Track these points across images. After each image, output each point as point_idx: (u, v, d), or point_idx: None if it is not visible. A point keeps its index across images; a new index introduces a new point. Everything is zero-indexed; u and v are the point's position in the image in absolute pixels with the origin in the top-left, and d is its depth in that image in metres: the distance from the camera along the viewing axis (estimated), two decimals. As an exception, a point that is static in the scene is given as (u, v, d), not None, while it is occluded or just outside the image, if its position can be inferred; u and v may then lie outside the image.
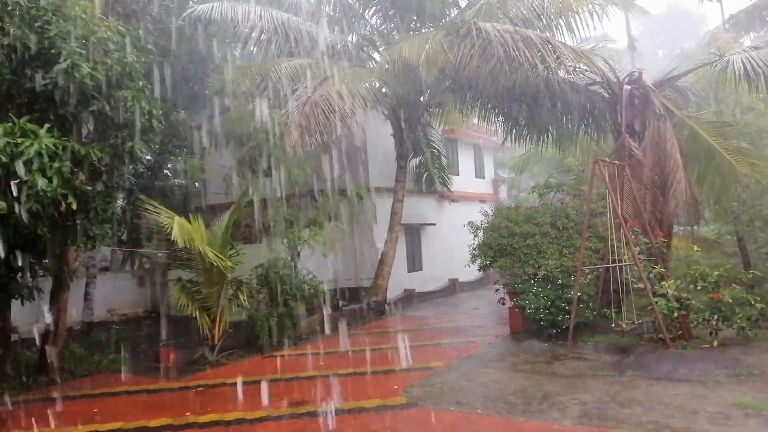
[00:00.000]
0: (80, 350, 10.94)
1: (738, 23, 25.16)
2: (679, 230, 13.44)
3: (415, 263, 18.93)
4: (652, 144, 11.01)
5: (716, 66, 10.76)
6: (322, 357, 10.23)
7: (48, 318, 10.08)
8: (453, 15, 15.31)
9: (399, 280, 16.88)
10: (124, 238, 13.77)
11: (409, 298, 17.34)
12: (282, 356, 10.74)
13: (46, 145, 6.92)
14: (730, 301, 9.30)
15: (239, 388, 8.42)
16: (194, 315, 10.51)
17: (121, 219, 11.01)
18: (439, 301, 17.98)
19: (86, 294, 13.67)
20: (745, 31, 24.38)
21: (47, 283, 10.34)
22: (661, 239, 10.85)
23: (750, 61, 10.09)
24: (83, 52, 7.58)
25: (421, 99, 15.55)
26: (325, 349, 11.00)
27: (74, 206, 7.51)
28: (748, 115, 12.26)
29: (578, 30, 12.01)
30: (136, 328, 14.95)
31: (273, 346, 11.14)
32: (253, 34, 13.53)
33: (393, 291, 16.13)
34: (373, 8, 16.10)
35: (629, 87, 11.56)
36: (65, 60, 7.37)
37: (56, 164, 7.09)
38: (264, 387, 8.29)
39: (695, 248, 10.84)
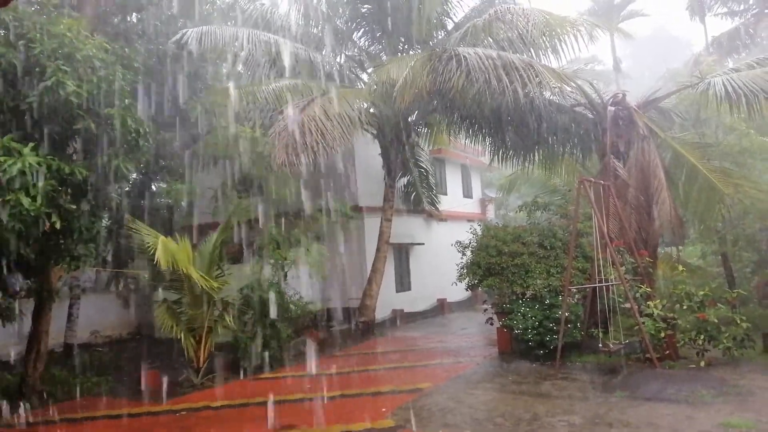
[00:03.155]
0: (62, 373, 10.71)
1: (720, 46, 25.81)
2: (661, 252, 13.50)
3: (403, 283, 18.86)
4: (637, 164, 11.15)
5: (698, 88, 10.97)
6: (309, 379, 10.10)
7: (29, 340, 9.89)
8: (440, 37, 15.51)
9: (387, 300, 16.79)
10: (108, 258, 13.59)
11: (397, 318, 17.23)
12: (268, 378, 10.60)
13: (29, 163, 6.85)
14: (716, 320, 9.35)
15: (224, 412, 8.27)
16: (179, 337, 10.36)
17: (106, 238, 10.87)
18: (427, 321, 17.89)
19: (69, 315, 13.44)
20: (727, 53, 24.99)
21: (29, 304, 10.17)
22: (647, 259, 10.92)
23: (731, 83, 10.28)
24: (68, 69, 7.55)
25: (409, 120, 15.66)
26: (312, 370, 10.87)
27: (58, 225, 7.42)
28: (730, 135, 12.46)
29: (564, 52, 12.18)
30: (120, 350, 14.68)
31: (259, 368, 10.99)
32: (241, 54, 13.59)
33: (381, 311, 16.03)
34: (362, 30, 16.28)
35: (613, 108, 11.72)
36: (50, 78, 7.34)
37: (40, 183, 7.02)
38: (249, 410, 8.16)
39: (680, 268, 10.91)
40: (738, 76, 10.50)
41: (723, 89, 10.27)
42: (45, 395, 9.59)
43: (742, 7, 26.63)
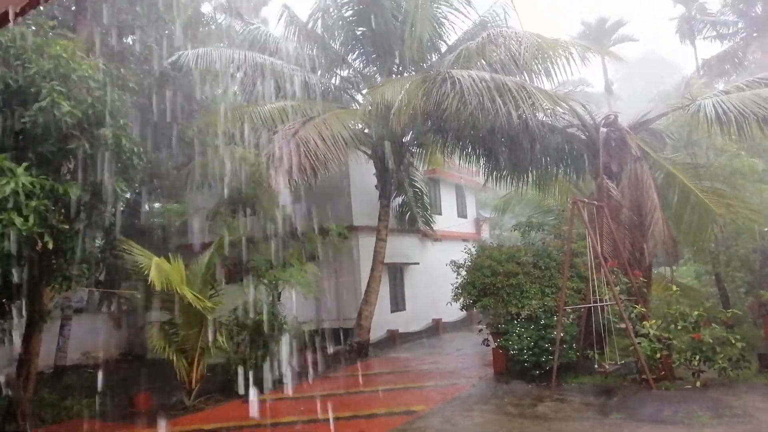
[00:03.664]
0: (52, 395, 10.55)
1: (711, 68, 26.25)
2: (655, 272, 13.50)
3: (398, 303, 18.78)
4: (630, 185, 11.20)
5: (689, 110, 11.10)
6: (303, 401, 9.99)
7: (19, 362, 9.75)
8: (434, 60, 15.68)
9: (382, 321, 16.69)
10: (101, 278, 13.49)
11: (392, 338, 17.13)
12: (261, 401, 10.45)
13: (23, 183, 6.83)
14: (711, 341, 9.31)
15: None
16: (171, 358, 10.24)
17: (99, 259, 10.81)
18: (422, 342, 17.77)
19: (60, 336, 13.29)
20: (717, 75, 25.41)
21: (20, 325, 10.05)
22: (641, 279, 10.92)
23: (721, 105, 10.40)
24: (64, 90, 7.57)
25: (404, 140, 15.75)
26: (306, 392, 10.75)
27: (50, 245, 7.36)
28: (722, 157, 12.57)
29: (556, 75, 12.34)
30: (111, 371, 14.49)
31: (252, 389, 10.85)
32: (237, 75, 13.69)
33: (376, 331, 15.93)
34: (357, 52, 16.46)
35: (605, 130, 11.81)
36: (45, 98, 7.36)
37: (33, 203, 6.99)
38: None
39: (674, 288, 10.91)
40: (728, 98, 10.63)
41: (713, 111, 10.39)
42: (34, 418, 9.42)
43: (731, 30, 27.15)
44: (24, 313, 9.61)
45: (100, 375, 13.58)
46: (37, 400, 10.04)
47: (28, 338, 9.78)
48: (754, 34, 25.24)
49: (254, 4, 20.79)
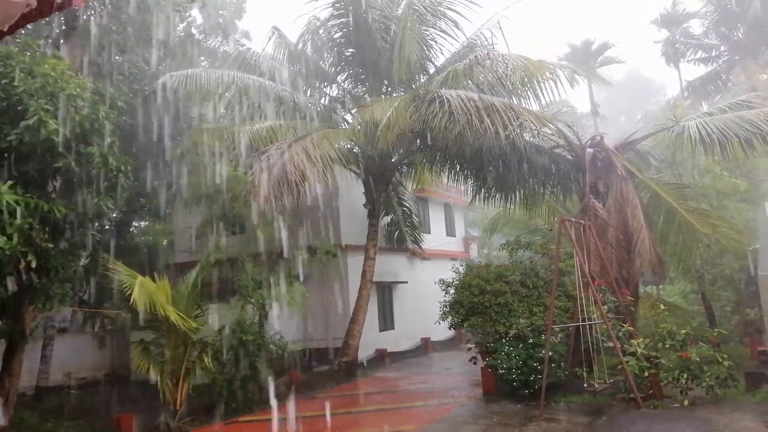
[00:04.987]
0: (32, 417, 10.33)
1: (695, 90, 26.74)
2: (642, 291, 13.57)
3: (386, 322, 18.69)
4: (616, 204, 11.30)
5: (673, 131, 11.27)
6: (289, 422, 9.85)
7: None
8: (422, 80, 15.83)
9: (370, 340, 16.59)
10: (85, 297, 13.33)
11: (380, 358, 17.00)
12: (247, 421, 10.32)
13: (6, 201, 6.77)
14: (698, 359, 9.35)
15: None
16: (156, 379, 10.08)
17: (84, 278, 10.69)
18: (411, 361, 17.66)
19: (42, 356, 13.07)
20: (701, 97, 25.88)
21: (0, 345, 9.88)
22: (629, 297, 10.96)
23: (705, 127, 10.58)
24: (51, 108, 7.56)
25: (393, 159, 15.83)
26: (292, 413, 10.60)
27: (34, 264, 7.29)
28: (706, 177, 12.74)
29: (543, 96, 12.50)
30: (94, 392, 14.24)
31: (238, 410, 10.71)
32: (226, 94, 13.73)
33: (364, 351, 15.82)
34: (346, 73, 16.59)
35: (592, 150, 11.95)
36: (32, 116, 7.34)
37: (17, 221, 6.93)
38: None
39: (662, 307, 10.96)
40: (711, 119, 10.81)
41: (697, 132, 10.56)
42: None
43: (714, 53, 27.74)
44: (5, 332, 9.47)
45: (82, 396, 13.39)
46: (17, 422, 9.81)
47: (9, 358, 9.61)
48: (737, 57, 25.78)
49: (230, 17, 20.94)
